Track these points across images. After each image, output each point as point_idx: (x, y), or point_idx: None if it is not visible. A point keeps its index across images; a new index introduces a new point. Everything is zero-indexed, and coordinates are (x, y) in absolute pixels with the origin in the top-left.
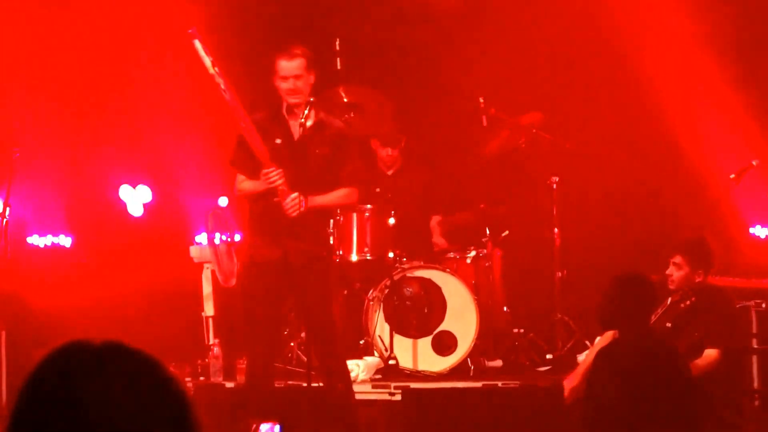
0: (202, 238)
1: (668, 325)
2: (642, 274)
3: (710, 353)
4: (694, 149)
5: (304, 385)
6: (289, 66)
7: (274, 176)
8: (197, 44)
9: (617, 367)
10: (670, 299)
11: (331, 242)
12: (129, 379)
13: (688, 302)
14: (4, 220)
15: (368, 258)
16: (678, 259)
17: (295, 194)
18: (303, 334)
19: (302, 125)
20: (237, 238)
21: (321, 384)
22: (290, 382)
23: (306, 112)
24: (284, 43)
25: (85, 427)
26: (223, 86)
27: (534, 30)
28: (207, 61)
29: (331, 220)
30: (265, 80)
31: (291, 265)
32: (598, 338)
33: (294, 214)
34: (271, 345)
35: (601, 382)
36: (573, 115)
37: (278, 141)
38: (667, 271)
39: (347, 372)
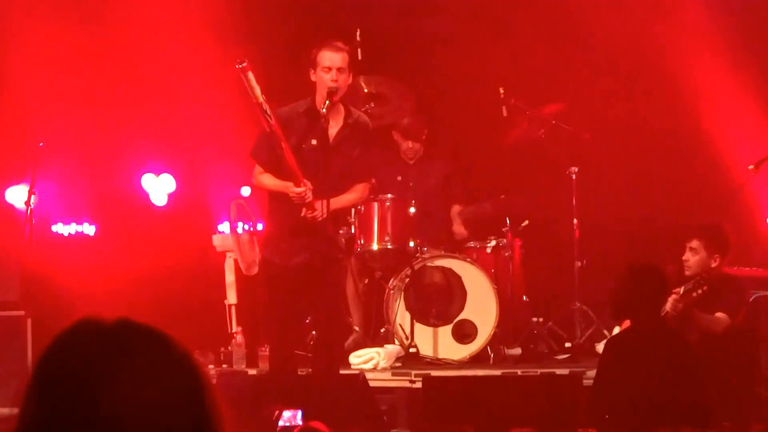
0: (224, 227)
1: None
2: (654, 264)
3: (721, 316)
4: (713, 140)
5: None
6: (334, 57)
7: (306, 195)
8: (250, 76)
9: (628, 355)
10: (683, 288)
11: (343, 242)
12: (140, 355)
13: (700, 291)
14: (29, 208)
15: (389, 247)
16: (695, 243)
17: (319, 203)
18: (313, 332)
19: (340, 128)
20: (259, 227)
21: (314, 366)
22: (310, 370)
23: (344, 114)
24: (323, 33)
25: (97, 402)
26: (268, 113)
27: (554, 20)
28: (257, 91)
29: (353, 210)
30: (288, 71)
31: (312, 267)
32: (616, 328)
33: (320, 217)
34: (293, 334)
35: (611, 369)
36: (592, 106)
37: (314, 142)
38: (684, 257)
39: (345, 358)
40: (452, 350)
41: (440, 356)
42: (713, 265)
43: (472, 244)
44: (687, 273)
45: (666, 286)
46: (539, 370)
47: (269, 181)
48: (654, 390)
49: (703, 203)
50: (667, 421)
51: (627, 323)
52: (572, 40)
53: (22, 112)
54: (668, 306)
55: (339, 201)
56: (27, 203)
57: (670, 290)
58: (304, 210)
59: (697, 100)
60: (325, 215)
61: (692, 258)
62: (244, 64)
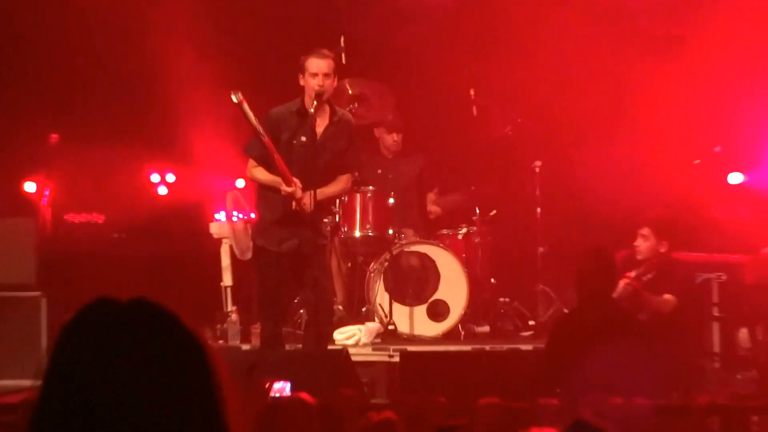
0: (221, 216)
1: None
2: (604, 249)
3: (668, 298)
4: (664, 137)
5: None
6: (321, 64)
7: (297, 192)
8: (245, 107)
9: (577, 329)
10: (634, 273)
11: (329, 229)
12: (152, 330)
13: (649, 275)
14: (45, 199)
15: (370, 234)
16: (645, 230)
17: (307, 194)
18: (301, 311)
19: (326, 127)
20: (252, 216)
21: (304, 343)
22: (299, 345)
23: (329, 113)
24: (309, 41)
25: (114, 374)
26: (262, 132)
27: (521, 27)
28: (251, 118)
29: (338, 200)
30: (277, 75)
31: (301, 253)
32: None
33: (308, 210)
34: (282, 313)
35: (561, 341)
36: (554, 107)
37: (303, 139)
38: (636, 243)
39: (330, 335)
40: (427, 328)
41: (416, 333)
42: (662, 250)
43: (445, 231)
44: (638, 258)
45: (615, 268)
46: (505, 346)
47: (262, 175)
48: (603, 363)
49: (653, 193)
50: (617, 392)
51: None
52: (537, 47)
53: (39, 113)
54: (620, 288)
55: (324, 192)
56: (42, 193)
57: (619, 272)
58: (294, 203)
59: (650, 101)
60: (312, 207)
61: (643, 244)
62: (240, 97)
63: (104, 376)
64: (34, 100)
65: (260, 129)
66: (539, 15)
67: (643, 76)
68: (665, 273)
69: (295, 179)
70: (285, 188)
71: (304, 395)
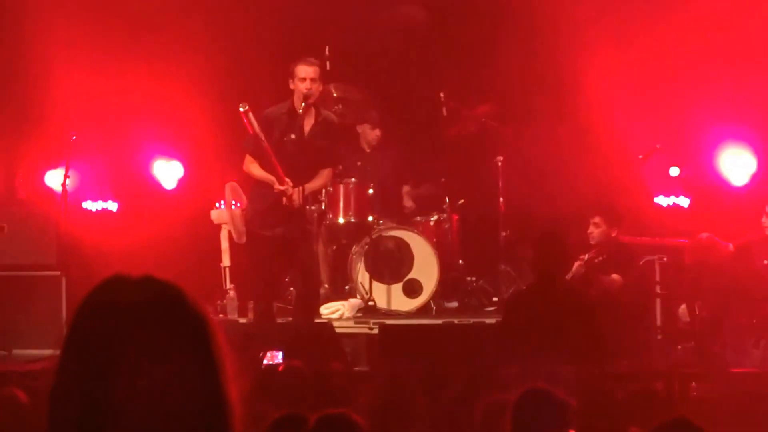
0: (220, 204)
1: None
2: (557, 233)
3: (615, 278)
4: (612, 134)
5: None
6: (308, 70)
7: (288, 191)
8: (250, 116)
9: (531, 305)
10: (586, 256)
11: (315, 216)
12: (159, 303)
13: (600, 259)
14: (64, 189)
15: (352, 220)
16: (597, 219)
17: (296, 190)
18: (291, 288)
19: (312, 125)
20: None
21: (293, 316)
22: (289, 319)
23: (315, 114)
24: (297, 50)
25: (124, 340)
26: (262, 138)
27: (483, 38)
28: (255, 126)
29: (323, 190)
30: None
31: (289, 237)
32: None
33: (297, 205)
34: (273, 291)
35: (516, 316)
36: (515, 108)
37: (293, 136)
38: (589, 230)
39: (317, 310)
40: (403, 303)
41: (393, 308)
42: (613, 235)
43: (418, 218)
44: (591, 243)
45: (567, 251)
46: (472, 320)
47: (257, 171)
48: (557, 335)
49: (603, 184)
50: (569, 360)
51: None
52: (499, 56)
53: (58, 110)
54: (573, 269)
55: (310, 187)
56: (62, 184)
57: (571, 254)
58: (284, 199)
59: (600, 104)
60: (299, 201)
61: (596, 230)
62: (246, 108)
63: (117, 343)
64: (55, 102)
65: (261, 135)
66: (499, 26)
67: (594, 82)
68: (613, 256)
69: (287, 179)
70: (278, 186)
71: (297, 362)
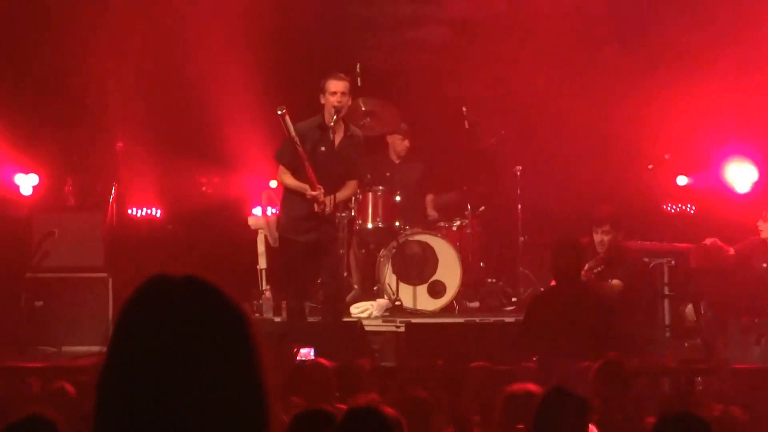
0: (257, 210)
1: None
2: (573, 239)
3: (615, 282)
4: (624, 146)
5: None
6: (339, 85)
7: (320, 197)
8: (287, 119)
9: (551, 306)
10: (587, 265)
11: (345, 223)
12: (200, 301)
13: (600, 268)
14: (112, 197)
15: (380, 226)
16: (606, 227)
17: (328, 198)
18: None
19: (342, 138)
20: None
21: (324, 316)
22: (320, 318)
23: (344, 127)
24: (329, 67)
25: (168, 336)
26: (297, 142)
27: (504, 56)
28: (291, 129)
29: (353, 198)
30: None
31: (320, 243)
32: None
33: (327, 212)
34: (305, 292)
35: (536, 316)
36: (533, 121)
37: (323, 149)
38: (599, 238)
39: (347, 309)
40: (427, 303)
41: (418, 308)
42: (620, 239)
43: (442, 223)
44: (601, 250)
45: (583, 255)
46: (492, 318)
47: (290, 180)
48: (570, 332)
49: (615, 192)
50: (582, 354)
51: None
52: (516, 72)
53: (106, 121)
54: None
55: (339, 196)
56: (110, 192)
57: (586, 257)
58: (316, 206)
59: (613, 117)
60: (330, 207)
61: (606, 238)
62: (284, 111)
63: (160, 340)
64: (103, 115)
65: (296, 139)
66: (519, 46)
67: (607, 97)
68: (613, 262)
69: (319, 185)
70: (311, 192)
71: (322, 360)
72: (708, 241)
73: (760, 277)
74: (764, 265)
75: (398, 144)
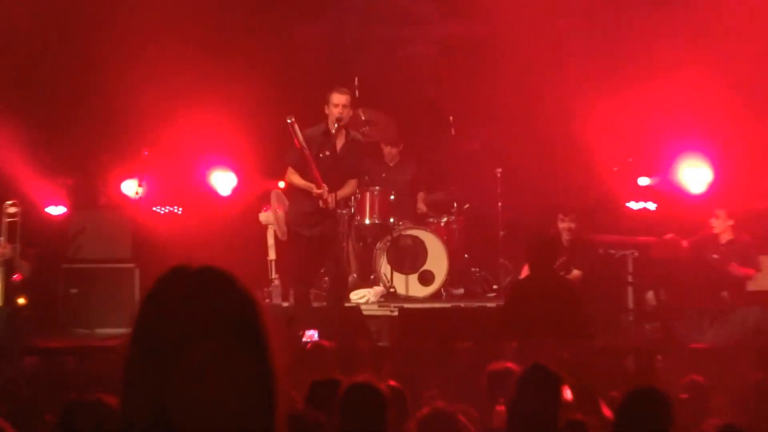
0: (267, 208)
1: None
2: (547, 233)
3: (576, 273)
4: (592, 150)
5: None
6: (341, 98)
7: (324, 194)
8: (296, 127)
9: (528, 293)
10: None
11: (345, 219)
12: (216, 288)
13: (563, 259)
14: (137, 196)
15: (376, 221)
16: (573, 215)
17: (330, 196)
18: (326, 278)
19: (343, 144)
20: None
21: (327, 301)
22: (324, 303)
23: (345, 134)
24: (332, 81)
25: (186, 319)
26: (305, 147)
27: (484, 70)
28: (300, 136)
29: (353, 197)
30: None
31: (323, 236)
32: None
33: (330, 208)
34: (310, 280)
35: (515, 301)
36: (512, 128)
37: (327, 153)
38: (565, 226)
39: (347, 296)
40: (418, 290)
41: (410, 294)
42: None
43: (431, 219)
44: (566, 237)
45: (556, 247)
46: (476, 304)
47: (297, 180)
48: (544, 315)
49: (584, 191)
50: (556, 336)
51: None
52: (496, 86)
53: (132, 129)
54: None
55: (341, 194)
56: (136, 192)
57: (559, 250)
58: (321, 202)
59: (583, 124)
60: (333, 205)
61: (572, 225)
62: (293, 120)
63: (180, 322)
64: (131, 124)
65: (304, 145)
66: (498, 63)
67: (576, 107)
68: (576, 253)
69: (323, 184)
70: (316, 190)
71: (324, 342)
72: (667, 235)
73: (711, 267)
74: (714, 256)
75: (386, 150)
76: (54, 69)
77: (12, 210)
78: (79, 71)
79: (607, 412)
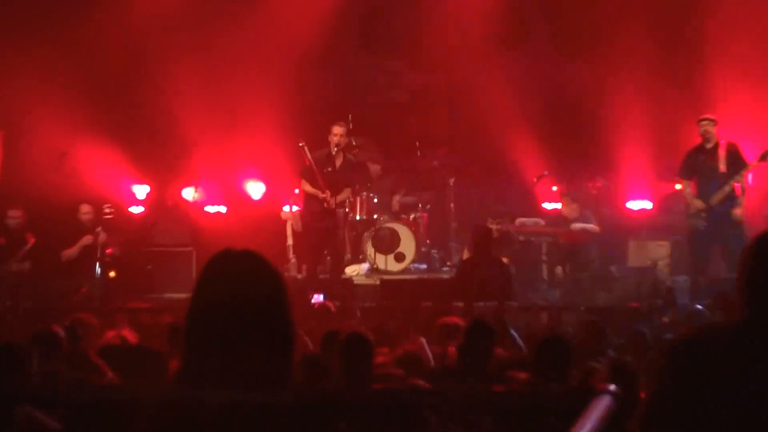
0: (286, 207)
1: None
2: (483, 225)
3: (504, 260)
4: (519, 166)
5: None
6: (339, 129)
7: (328, 198)
8: (306, 150)
9: (470, 268)
10: None
11: (343, 216)
12: (253, 265)
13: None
14: (194, 199)
15: (364, 217)
16: (499, 219)
17: (333, 199)
18: (328, 258)
19: (341, 162)
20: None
21: (330, 274)
22: (327, 276)
23: (342, 155)
24: (333, 117)
25: (232, 288)
26: (313, 165)
27: (444, 110)
28: (309, 156)
29: (347, 200)
30: (317, 133)
31: (327, 228)
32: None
33: (332, 207)
34: (318, 259)
35: (462, 274)
36: (461, 151)
37: (329, 169)
38: (495, 227)
39: (343, 270)
40: (394, 266)
41: (388, 269)
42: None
43: (403, 216)
44: (495, 235)
45: (490, 236)
46: (435, 276)
47: (308, 188)
48: (485, 285)
49: (514, 196)
50: (492, 299)
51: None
52: (450, 120)
53: (189, 147)
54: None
55: (339, 198)
56: (193, 197)
57: (493, 237)
58: (325, 204)
59: (512, 149)
60: (333, 205)
61: (498, 227)
62: (303, 144)
63: (226, 290)
64: (190, 146)
65: (313, 163)
66: (453, 105)
67: (509, 137)
68: (503, 244)
69: (327, 190)
70: (321, 195)
71: (328, 302)
72: (573, 226)
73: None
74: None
75: (372, 167)
76: (136, 101)
77: (107, 211)
78: (155, 104)
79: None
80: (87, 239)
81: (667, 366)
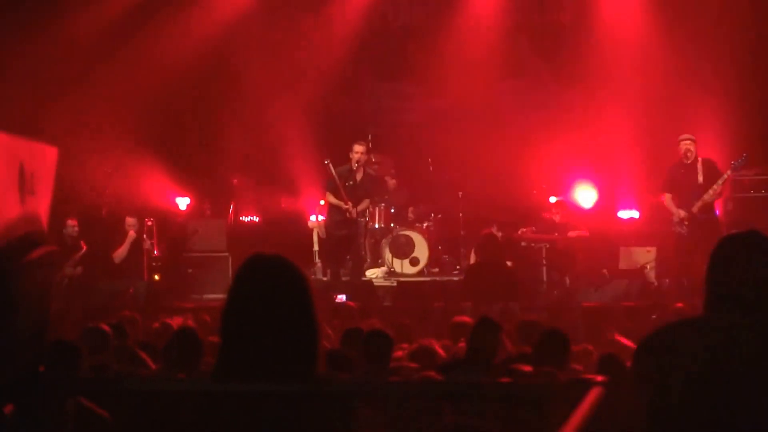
0: (313, 217)
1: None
2: (491, 233)
3: (509, 263)
4: (521, 179)
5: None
6: (360, 147)
7: (350, 209)
8: (331, 167)
9: (478, 272)
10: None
11: (363, 224)
12: (281, 268)
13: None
14: (231, 211)
15: (382, 226)
16: (501, 229)
17: (354, 210)
18: (350, 262)
19: (361, 177)
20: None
21: (351, 277)
22: (348, 278)
23: (362, 170)
24: (354, 136)
25: (266, 290)
26: (337, 180)
27: (453, 129)
28: (334, 173)
29: (367, 210)
30: (341, 151)
31: (349, 236)
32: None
33: (354, 217)
34: (339, 264)
35: (471, 277)
36: (469, 165)
37: (351, 183)
38: (499, 233)
39: (364, 273)
40: (409, 270)
41: (404, 272)
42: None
43: (417, 224)
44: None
45: (498, 242)
46: (446, 278)
47: (332, 200)
48: (493, 287)
49: (516, 206)
50: (496, 299)
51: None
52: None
53: (225, 164)
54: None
55: (360, 208)
56: (229, 208)
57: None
58: (347, 214)
59: (514, 164)
60: (355, 215)
61: (501, 233)
62: (329, 162)
63: (259, 291)
64: (228, 164)
65: (336, 177)
66: (460, 124)
67: (511, 154)
68: (508, 250)
69: (349, 201)
70: (344, 206)
71: (351, 303)
72: (570, 233)
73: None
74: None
75: (389, 181)
76: (180, 124)
77: (150, 223)
78: (196, 126)
79: (508, 344)
80: (131, 236)
81: (633, 369)
